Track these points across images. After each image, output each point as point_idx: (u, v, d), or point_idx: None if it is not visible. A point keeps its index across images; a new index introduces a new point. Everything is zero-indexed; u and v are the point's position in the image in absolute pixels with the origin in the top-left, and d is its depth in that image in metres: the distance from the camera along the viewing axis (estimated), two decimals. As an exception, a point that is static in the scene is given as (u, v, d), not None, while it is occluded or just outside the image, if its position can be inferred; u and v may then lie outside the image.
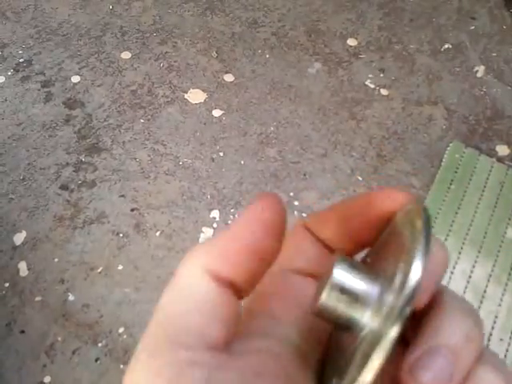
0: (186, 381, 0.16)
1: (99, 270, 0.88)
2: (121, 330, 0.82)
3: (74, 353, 0.80)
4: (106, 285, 0.86)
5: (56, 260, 0.89)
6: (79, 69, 1.17)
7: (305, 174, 1.02)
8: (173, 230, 0.93)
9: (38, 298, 0.85)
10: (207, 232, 0.93)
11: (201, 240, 0.92)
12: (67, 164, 1.02)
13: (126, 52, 1.20)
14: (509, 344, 0.85)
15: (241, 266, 0.18)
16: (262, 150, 1.05)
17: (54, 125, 1.07)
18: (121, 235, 0.92)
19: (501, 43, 1.23)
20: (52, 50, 1.20)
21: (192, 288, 0.18)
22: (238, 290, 0.19)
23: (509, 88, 1.16)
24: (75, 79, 1.15)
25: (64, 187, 0.99)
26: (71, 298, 0.85)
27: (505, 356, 0.84)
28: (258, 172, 1.01)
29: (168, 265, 0.89)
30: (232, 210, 0.96)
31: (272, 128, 1.08)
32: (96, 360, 0.79)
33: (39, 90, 1.13)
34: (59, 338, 0.81)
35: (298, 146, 1.05)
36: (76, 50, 1.20)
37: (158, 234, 0.92)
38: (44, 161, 1.02)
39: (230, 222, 0.94)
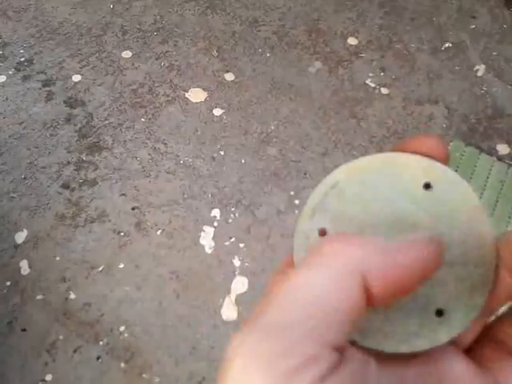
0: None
1: (100, 269, 0.88)
2: (122, 328, 0.82)
3: (75, 351, 0.80)
4: (107, 283, 0.87)
5: (57, 258, 0.89)
6: (80, 68, 1.17)
7: (305, 173, 1.02)
8: (173, 229, 0.93)
9: (39, 297, 0.86)
10: (208, 231, 0.93)
11: (201, 239, 0.92)
12: (68, 163, 1.02)
13: (127, 51, 1.20)
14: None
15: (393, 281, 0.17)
16: (262, 148, 1.05)
17: (55, 124, 1.08)
18: (122, 234, 0.92)
19: (501, 42, 1.23)
20: (53, 49, 1.20)
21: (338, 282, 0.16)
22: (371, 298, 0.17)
23: (509, 87, 1.16)
24: (76, 78, 1.15)
25: (65, 186, 0.99)
26: (72, 296, 0.85)
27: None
28: (258, 171, 1.02)
29: (169, 263, 0.89)
30: (233, 209, 0.96)
31: (272, 127, 1.08)
32: (97, 358, 0.79)
33: (40, 89, 1.13)
34: (61, 337, 0.81)
35: (298, 145, 1.05)
36: (77, 49, 1.20)
37: (158, 232, 0.93)
38: (45, 160, 1.02)
39: (230, 220, 0.95)
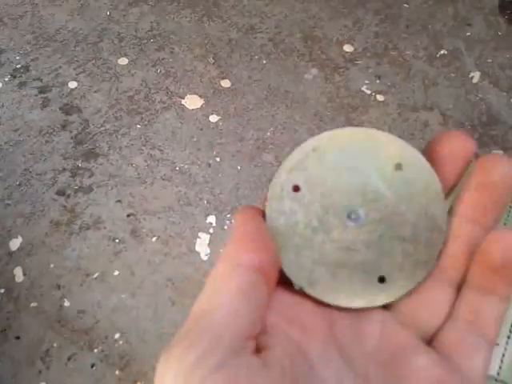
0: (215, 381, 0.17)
1: (95, 276, 0.88)
2: (117, 335, 0.82)
3: (69, 359, 0.79)
4: (102, 291, 0.86)
5: (52, 266, 0.89)
6: (76, 75, 1.17)
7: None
8: (169, 236, 0.93)
9: (33, 304, 0.85)
10: (204, 237, 0.93)
11: (197, 245, 0.92)
12: (64, 169, 1.02)
13: (123, 58, 1.20)
14: (505, 349, 0.85)
15: (263, 250, 0.20)
16: (258, 155, 1.05)
17: (51, 130, 1.07)
18: (117, 241, 0.92)
19: (496, 49, 1.24)
20: (49, 56, 1.20)
21: (227, 281, 0.19)
22: (267, 276, 0.20)
23: (504, 94, 1.17)
24: (72, 85, 1.15)
25: (60, 192, 0.99)
26: (67, 303, 0.85)
27: (501, 361, 0.84)
28: (254, 177, 1.02)
29: (164, 270, 0.89)
30: (228, 216, 0.96)
31: (269, 133, 1.08)
32: (92, 366, 0.79)
33: (36, 95, 1.13)
34: (55, 344, 0.80)
35: (294, 152, 1.05)
36: (73, 56, 1.20)
37: (154, 239, 0.92)
38: (40, 166, 1.02)
39: (226, 227, 0.94)
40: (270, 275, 0.21)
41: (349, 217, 0.23)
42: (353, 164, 0.23)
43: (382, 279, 0.23)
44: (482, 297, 0.21)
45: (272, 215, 0.23)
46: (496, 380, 0.81)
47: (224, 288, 0.19)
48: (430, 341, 0.22)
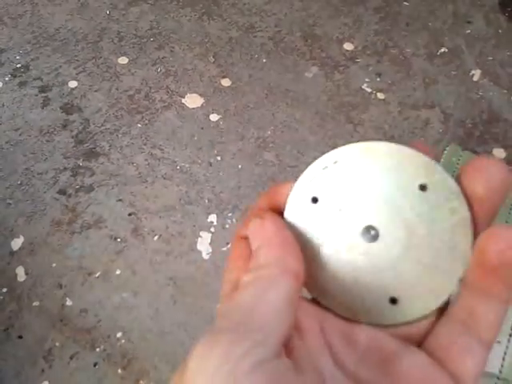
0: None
1: (97, 275, 0.88)
2: (119, 334, 0.82)
3: (72, 358, 0.79)
4: (104, 290, 0.86)
5: (54, 265, 0.89)
6: (76, 74, 1.17)
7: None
8: (171, 235, 0.93)
9: (35, 303, 0.85)
10: (205, 236, 0.93)
11: (198, 244, 0.92)
12: (65, 169, 1.02)
13: (123, 57, 1.20)
14: (507, 346, 0.85)
15: (301, 259, 0.21)
16: (259, 154, 1.05)
17: (52, 130, 1.07)
18: (118, 240, 0.92)
19: (497, 47, 1.24)
20: (49, 55, 1.20)
21: (276, 285, 0.20)
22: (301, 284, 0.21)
23: (505, 91, 1.17)
24: (72, 84, 1.15)
25: (62, 192, 0.99)
26: (69, 302, 0.85)
27: (503, 359, 0.84)
28: (255, 176, 1.02)
29: (166, 269, 0.89)
30: (230, 215, 0.96)
31: (269, 132, 1.08)
32: (94, 365, 0.79)
33: (36, 95, 1.13)
34: (57, 343, 0.81)
35: (295, 150, 1.06)
36: (73, 56, 1.20)
37: (155, 238, 0.92)
38: (41, 166, 1.02)
39: (227, 226, 0.94)
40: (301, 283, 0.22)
41: (365, 233, 0.22)
42: (375, 180, 0.22)
43: (393, 300, 0.22)
44: (478, 298, 0.21)
45: (289, 224, 0.23)
46: (498, 378, 0.81)
47: (274, 290, 0.20)
48: (421, 341, 0.22)
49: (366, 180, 0.22)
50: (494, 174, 0.20)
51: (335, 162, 0.23)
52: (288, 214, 0.23)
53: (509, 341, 0.88)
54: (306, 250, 0.23)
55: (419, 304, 0.21)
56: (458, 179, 0.22)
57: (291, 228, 0.23)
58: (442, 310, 0.22)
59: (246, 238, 0.24)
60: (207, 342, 0.18)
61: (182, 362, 0.19)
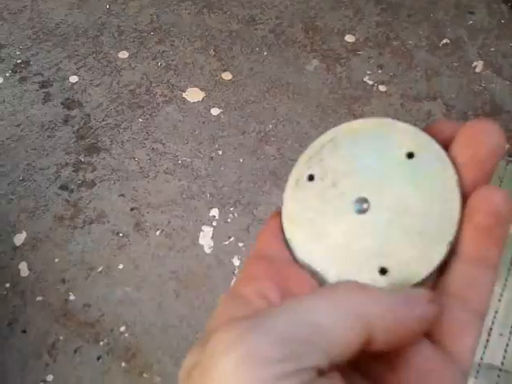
0: None
1: (100, 270, 0.88)
2: (122, 328, 0.82)
3: (75, 351, 0.80)
4: (107, 284, 0.87)
5: (56, 260, 0.90)
6: (77, 69, 1.17)
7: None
8: (173, 229, 0.93)
9: (39, 298, 0.86)
10: (207, 230, 0.93)
11: (200, 239, 0.92)
12: (66, 164, 1.02)
13: (124, 51, 1.20)
14: (509, 339, 0.85)
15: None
16: (260, 147, 1.05)
17: (53, 125, 1.08)
18: (121, 235, 0.92)
19: (499, 38, 1.23)
20: (49, 50, 1.20)
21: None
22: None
23: (507, 83, 1.16)
24: (73, 79, 1.15)
25: (63, 187, 0.99)
26: (72, 297, 0.85)
27: (505, 351, 0.84)
28: (257, 170, 1.02)
29: (168, 264, 0.89)
30: (231, 209, 0.96)
31: (270, 126, 1.08)
32: (98, 358, 0.79)
33: (37, 90, 1.13)
34: (61, 337, 0.81)
35: (296, 144, 1.05)
36: (73, 50, 1.20)
37: (157, 233, 0.93)
38: (43, 161, 1.02)
39: (229, 220, 0.95)
40: None
41: (358, 205, 0.23)
42: (365, 153, 0.23)
43: (383, 270, 0.22)
44: (472, 266, 0.20)
45: (288, 203, 0.24)
46: (500, 370, 0.81)
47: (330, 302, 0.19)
48: None
49: (357, 154, 0.23)
50: (485, 139, 0.20)
51: (330, 141, 0.24)
52: (287, 193, 0.24)
53: (511, 333, 0.88)
54: (302, 226, 0.24)
55: (409, 272, 0.21)
56: (453, 141, 0.22)
57: (288, 207, 0.24)
58: (434, 283, 0.22)
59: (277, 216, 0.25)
60: (247, 343, 0.17)
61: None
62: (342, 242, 0.23)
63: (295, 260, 0.23)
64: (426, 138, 0.22)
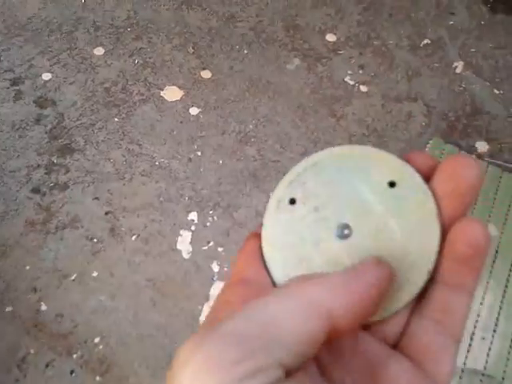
0: None
1: (73, 278, 0.85)
2: (97, 339, 0.79)
3: (47, 365, 0.77)
4: (81, 293, 0.84)
5: (27, 267, 0.86)
6: (50, 66, 1.12)
7: (285, 173, 1.00)
8: (149, 234, 0.90)
9: (8, 309, 0.82)
10: (185, 235, 0.91)
11: (178, 244, 0.90)
12: (38, 166, 0.98)
13: (99, 48, 1.16)
14: (491, 342, 0.85)
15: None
16: (240, 148, 1.02)
17: (25, 125, 1.03)
18: (95, 240, 0.89)
19: (479, 38, 1.23)
20: (21, 46, 1.15)
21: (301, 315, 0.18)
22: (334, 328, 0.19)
23: (487, 84, 1.16)
24: (46, 77, 1.11)
25: (35, 190, 0.95)
26: (44, 307, 0.82)
27: (487, 354, 0.84)
28: (237, 171, 0.99)
29: (145, 270, 0.86)
30: (211, 212, 0.94)
31: (251, 126, 1.05)
32: (71, 372, 0.76)
33: (8, 88, 1.08)
34: (32, 351, 0.78)
35: (277, 145, 1.03)
36: (47, 46, 1.16)
37: (133, 238, 0.90)
38: (14, 163, 0.98)
39: (208, 224, 0.92)
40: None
41: (339, 231, 0.23)
42: (348, 180, 0.23)
43: None
44: (450, 292, 0.21)
45: (268, 226, 0.24)
46: (483, 374, 0.81)
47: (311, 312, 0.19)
48: (396, 341, 0.22)
49: (340, 180, 0.23)
50: (465, 174, 0.21)
51: (313, 165, 0.24)
52: (267, 215, 0.24)
53: (493, 336, 0.88)
54: (281, 249, 0.23)
55: (390, 298, 0.22)
56: (434, 175, 0.22)
57: (268, 229, 0.24)
58: (413, 306, 0.22)
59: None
60: (206, 349, 0.17)
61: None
62: (322, 267, 0.23)
63: (274, 284, 0.23)
64: (408, 169, 0.23)
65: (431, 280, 0.22)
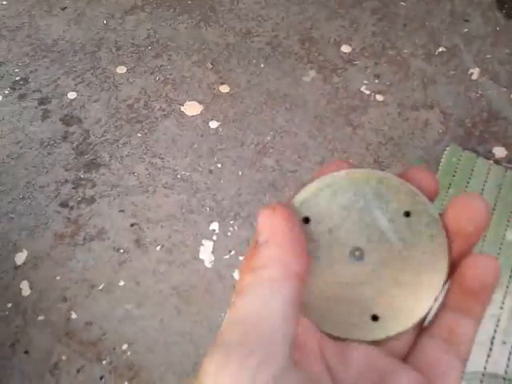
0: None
1: (101, 287, 0.88)
2: (124, 346, 0.82)
3: (78, 371, 0.80)
4: (108, 301, 0.87)
5: (58, 278, 0.90)
6: (75, 85, 1.17)
7: (303, 182, 1.02)
8: (173, 244, 0.93)
9: (40, 318, 0.86)
10: (207, 245, 0.93)
11: (201, 253, 0.92)
12: (66, 181, 1.02)
13: (122, 66, 1.20)
14: (512, 347, 0.85)
15: (306, 257, 0.21)
16: (259, 160, 1.05)
17: (52, 142, 1.08)
18: (121, 251, 0.92)
19: (495, 45, 1.24)
20: (48, 66, 1.21)
21: (281, 289, 0.20)
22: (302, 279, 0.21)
23: (504, 89, 1.16)
24: (71, 95, 1.15)
25: (64, 204, 0.99)
26: (74, 316, 0.86)
27: (508, 359, 0.84)
28: (256, 182, 1.02)
29: (169, 279, 0.89)
30: (231, 222, 0.96)
31: (269, 137, 1.08)
32: (101, 378, 0.79)
33: (36, 107, 1.13)
34: (63, 357, 0.81)
35: (295, 155, 1.06)
36: (71, 66, 1.21)
37: (158, 248, 0.93)
38: (43, 179, 1.02)
39: (229, 233, 0.95)
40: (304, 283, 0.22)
41: (352, 254, 0.24)
42: (363, 205, 0.24)
43: (374, 317, 0.24)
44: (459, 317, 0.23)
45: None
46: (504, 379, 0.81)
47: (278, 295, 0.20)
48: (404, 357, 0.24)
49: (356, 205, 0.24)
50: (473, 217, 0.22)
51: (328, 186, 0.24)
52: None
53: (514, 341, 0.88)
54: None
55: (399, 320, 0.23)
56: (446, 210, 0.24)
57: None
58: (421, 327, 0.24)
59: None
60: (220, 358, 0.18)
61: (194, 380, 0.19)
62: (334, 288, 0.24)
63: None
64: (423, 199, 0.24)
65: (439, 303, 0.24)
